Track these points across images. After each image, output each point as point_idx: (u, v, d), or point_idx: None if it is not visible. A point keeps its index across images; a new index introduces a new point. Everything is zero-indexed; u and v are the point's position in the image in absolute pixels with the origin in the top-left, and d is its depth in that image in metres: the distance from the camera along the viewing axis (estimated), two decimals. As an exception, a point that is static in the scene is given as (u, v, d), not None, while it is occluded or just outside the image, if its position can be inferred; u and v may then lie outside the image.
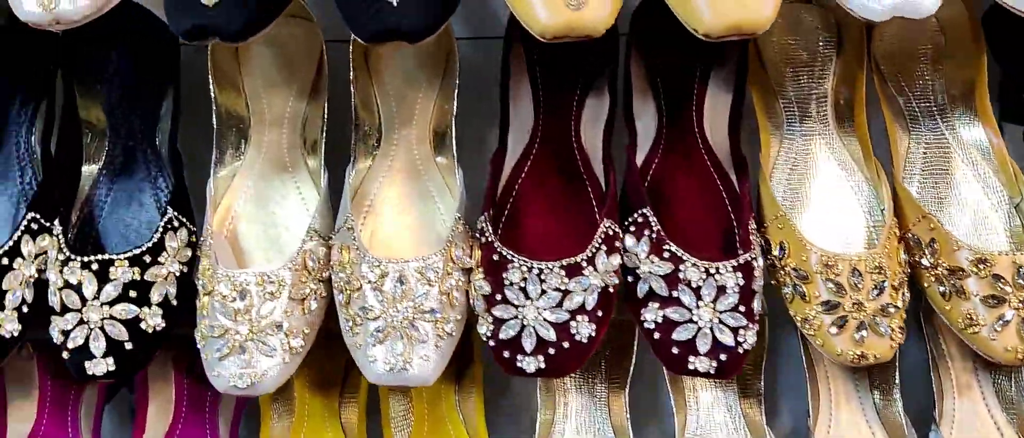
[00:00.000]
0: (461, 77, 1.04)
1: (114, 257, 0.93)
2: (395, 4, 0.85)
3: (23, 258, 0.95)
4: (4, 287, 0.94)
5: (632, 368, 1.10)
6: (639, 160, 1.05)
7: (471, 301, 0.95)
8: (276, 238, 1.02)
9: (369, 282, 0.93)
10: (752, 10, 0.85)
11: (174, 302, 0.95)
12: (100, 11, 0.85)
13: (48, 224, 0.98)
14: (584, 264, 0.93)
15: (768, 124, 1.07)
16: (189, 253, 0.97)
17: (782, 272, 0.97)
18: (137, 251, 0.94)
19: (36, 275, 0.96)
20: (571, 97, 1.07)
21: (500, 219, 1.02)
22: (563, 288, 0.92)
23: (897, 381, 1.08)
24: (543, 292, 0.92)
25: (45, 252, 0.97)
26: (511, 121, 1.06)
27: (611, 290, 0.94)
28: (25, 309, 0.95)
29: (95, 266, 0.93)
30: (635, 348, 1.10)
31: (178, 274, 0.96)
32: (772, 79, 1.08)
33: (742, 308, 0.93)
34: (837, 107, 1.07)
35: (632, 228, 0.97)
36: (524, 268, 0.93)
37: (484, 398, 1.11)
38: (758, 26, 0.85)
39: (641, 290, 0.95)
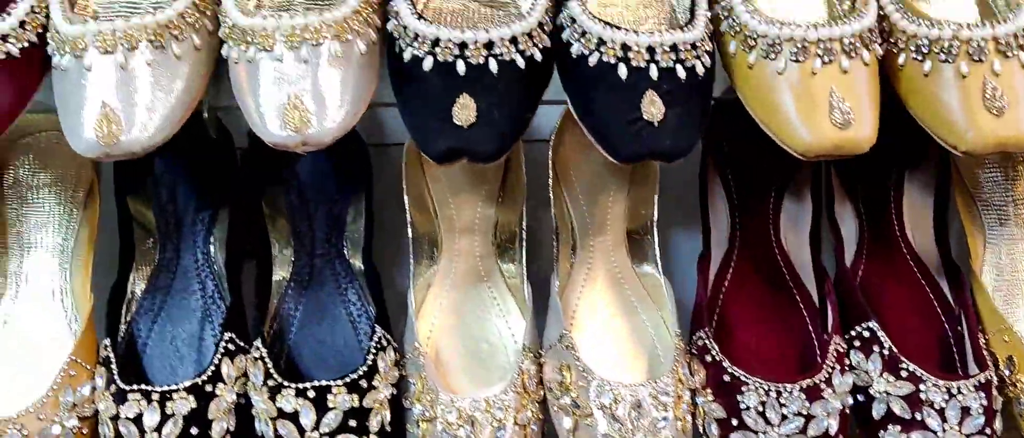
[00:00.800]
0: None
1: (331, 384, 0.87)
2: (656, 125, 0.81)
3: (224, 383, 0.89)
4: (209, 416, 0.88)
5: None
6: (843, 267, 1.02)
7: (700, 425, 0.91)
8: (476, 352, 0.97)
9: (601, 408, 0.88)
10: (1016, 126, 0.82)
11: (388, 428, 0.89)
12: (345, 131, 0.80)
13: (244, 345, 0.92)
14: (823, 385, 0.89)
15: (973, 228, 1.04)
16: (396, 374, 0.92)
17: (1014, 388, 0.94)
18: (354, 376, 0.88)
19: (236, 400, 0.90)
20: (767, 200, 1.04)
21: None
22: (805, 412, 0.88)
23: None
24: (784, 417, 0.88)
25: (243, 375, 0.91)
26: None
27: (847, 412, 0.91)
28: (229, 439, 0.89)
29: (311, 393, 0.87)
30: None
31: (390, 398, 0.90)
32: (967, 183, 1.05)
33: (987, 430, 0.89)
34: (1037, 210, 1.05)
35: (858, 343, 0.93)
36: (761, 390, 0.89)
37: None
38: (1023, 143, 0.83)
39: (878, 411, 0.91)
